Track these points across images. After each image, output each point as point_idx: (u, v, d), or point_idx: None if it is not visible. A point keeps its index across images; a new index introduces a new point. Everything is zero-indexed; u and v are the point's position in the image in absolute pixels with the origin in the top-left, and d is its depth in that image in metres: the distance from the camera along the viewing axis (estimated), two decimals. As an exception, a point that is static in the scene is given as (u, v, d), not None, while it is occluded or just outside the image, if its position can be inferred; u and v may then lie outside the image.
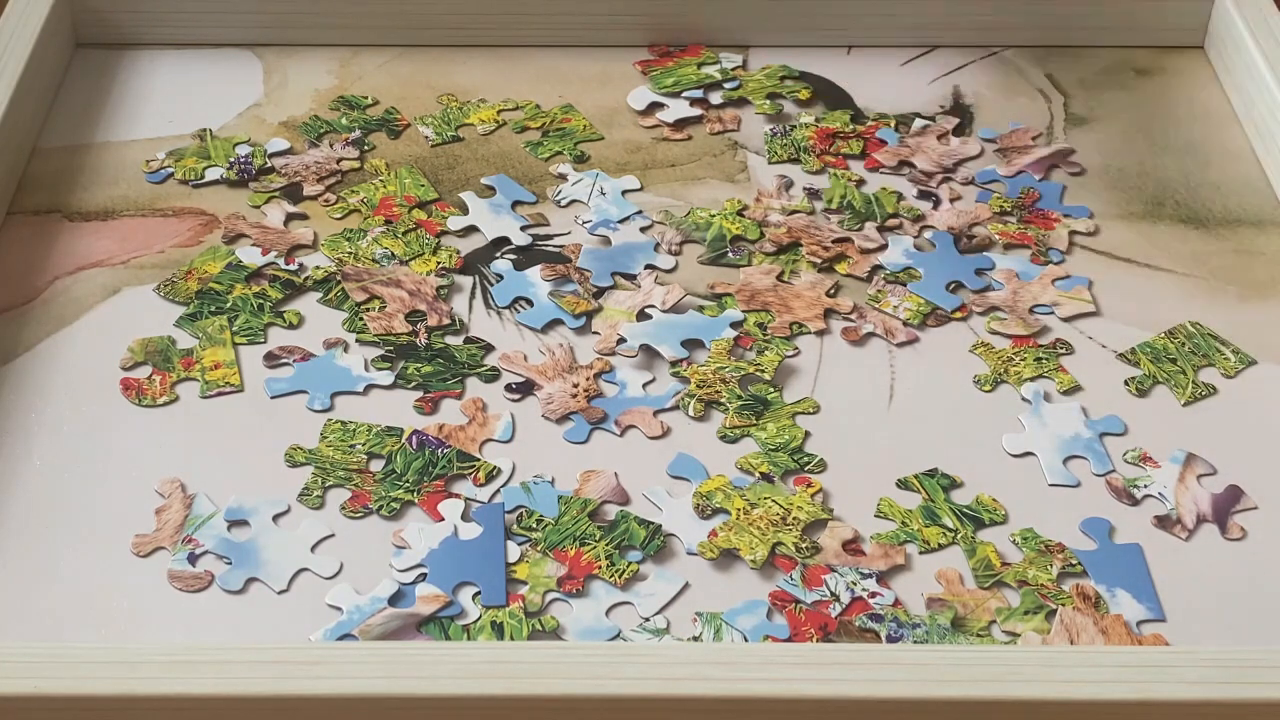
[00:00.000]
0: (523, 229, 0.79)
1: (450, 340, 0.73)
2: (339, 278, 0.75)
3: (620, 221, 0.80)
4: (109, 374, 0.70)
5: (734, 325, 0.73)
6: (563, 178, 0.83)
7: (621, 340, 0.73)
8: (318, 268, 0.76)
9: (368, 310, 0.74)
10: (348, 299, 0.74)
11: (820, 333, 0.74)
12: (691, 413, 0.69)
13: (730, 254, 0.78)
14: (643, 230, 0.79)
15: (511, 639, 0.60)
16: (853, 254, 0.78)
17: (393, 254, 0.77)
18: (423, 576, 0.62)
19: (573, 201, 0.81)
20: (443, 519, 0.64)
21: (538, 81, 0.89)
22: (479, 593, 0.61)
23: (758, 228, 0.79)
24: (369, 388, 0.70)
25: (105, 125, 0.85)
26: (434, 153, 0.84)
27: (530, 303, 0.75)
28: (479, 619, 0.60)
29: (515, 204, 0.81)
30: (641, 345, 0.72)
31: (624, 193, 0.81)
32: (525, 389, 0.70)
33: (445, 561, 0.62)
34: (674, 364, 0.72)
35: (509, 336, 0.73)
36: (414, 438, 0.67)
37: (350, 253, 0.77)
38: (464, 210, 0.80)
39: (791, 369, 0.72)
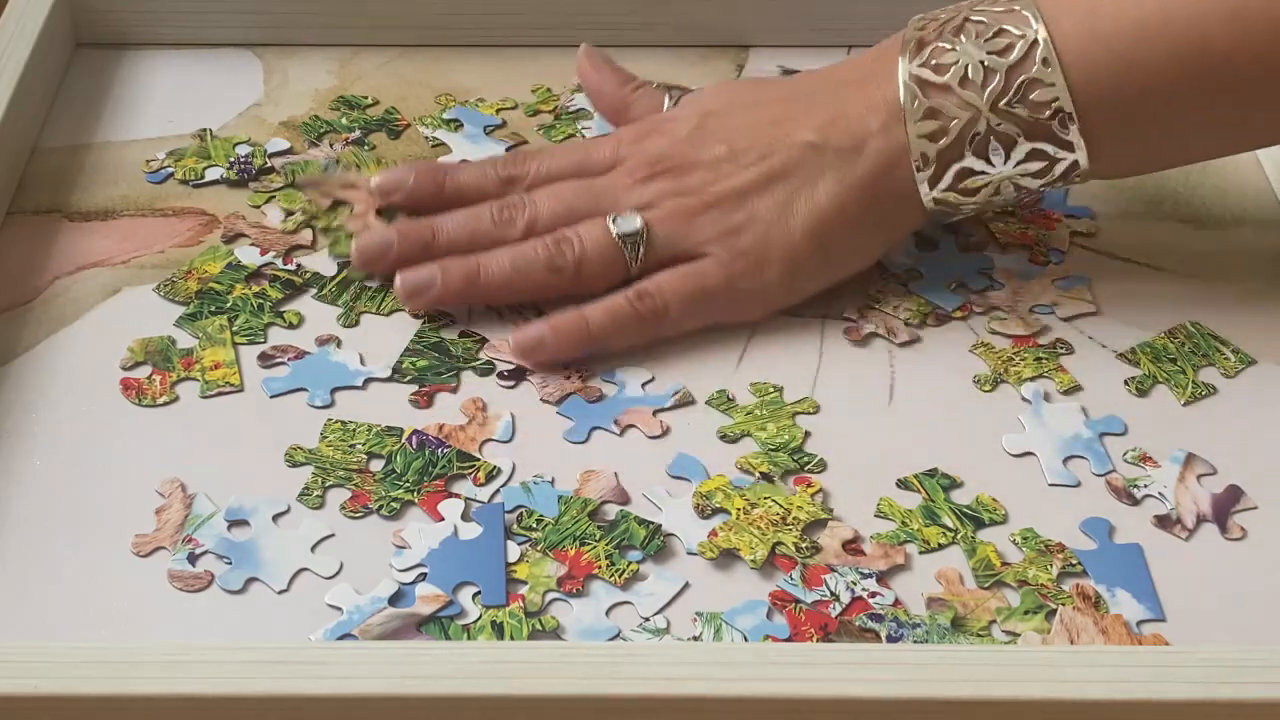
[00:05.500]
0: (508, 150, 0.83)
1: (445, 334, 0.73)
2: (296, 189, 0.80)
3: None
4: (109, 374, 0.70)
5: (734, 325, 0.73)
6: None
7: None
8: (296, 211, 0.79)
9: (344, 214, 0.78)
10: (343, 294, 0.74)
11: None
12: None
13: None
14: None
15: (511, 639, 0.60)
16: (853, 254, 0.78)
17: (339, 161, 0.81)
18: (423, 576, 0.62)
19: (580, 110, 0.85)
20: (443, 519, 0.64)
21: (537, 81, 0.89)
22: (479, 593, 0.61)
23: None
24: (367, 381, 0.70)
25: (105, 125, 0.85)
26: (434, 153, 0.84)
27: None
28: (479, 619, 0.60)
29: (487, 129, 0.84)
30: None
31: None
32: (518, 375, 0.70)
33: (445, 561, 0.62)
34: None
35: (506, 332, 0.73)
36: (414, 437, 0.67)
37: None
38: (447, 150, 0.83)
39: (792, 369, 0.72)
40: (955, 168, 0.70)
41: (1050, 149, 0.69)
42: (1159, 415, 0.70)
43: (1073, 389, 0.71)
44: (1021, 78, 0.68)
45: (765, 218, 0.71)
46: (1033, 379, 0.71)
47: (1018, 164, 0.69)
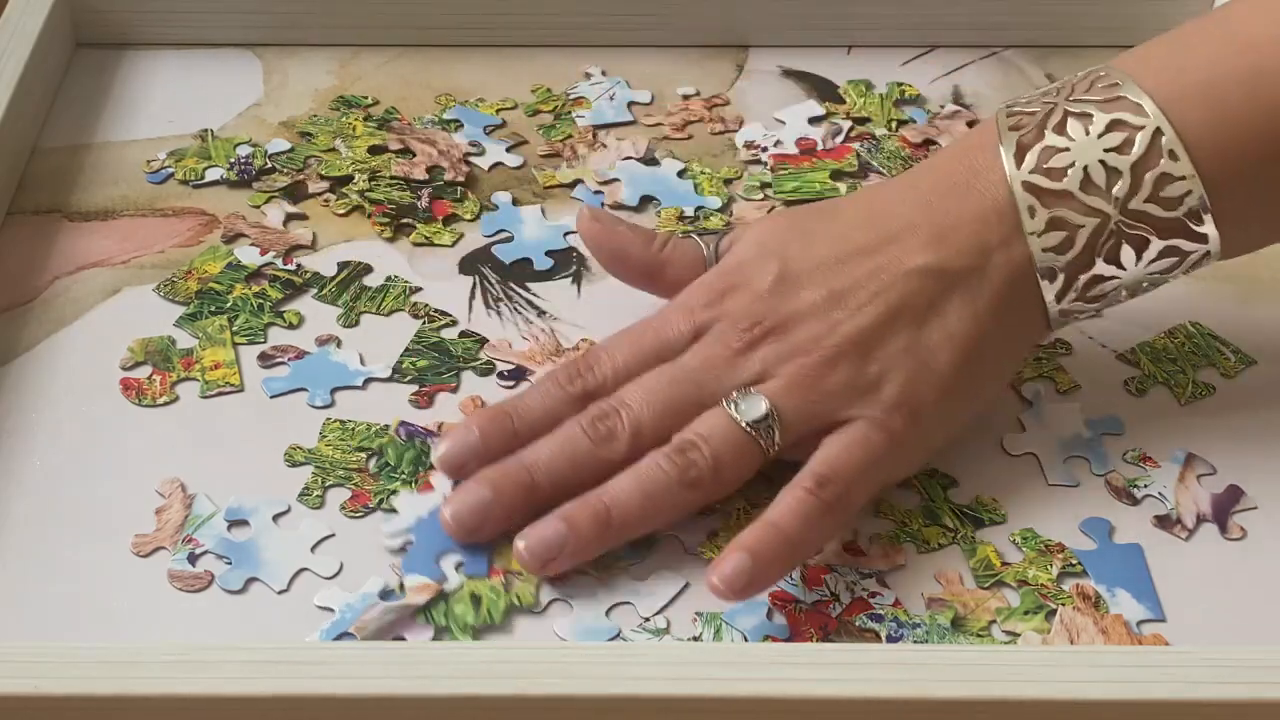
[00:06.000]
0: (508, 150, 0.83)
1: (445, 334, 0.73)
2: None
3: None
4: (109, 374, 0.70)
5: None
6: (588, 75, 0.88)
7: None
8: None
9: (398, 161, 0.81)
10: (343, 294, 0.74)
11: (820, 333, 0.73)
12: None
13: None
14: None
15: (489, 612, 0.60)
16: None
17: (438, 121, 0.85)
18: (409, 544, 0.63)
19: (579, 99, 0.86)
20: (432, 489, 0.65)
21: (537, 81, 0.89)
22: (461, 562, 0.62)
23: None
24: (367, 381, 0.70)
25: (105, 125, 0.85)
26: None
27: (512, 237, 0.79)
28: (459, 588, 0.61)
29: (487, 129, 0.85)
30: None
31: (629, 104, 0.86)
32: (517, 375, 0.70)
33: (432, 530, 0.63)
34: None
35: (507, 334, 0.73)
36: (402, 429, 0.67)
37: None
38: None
39: (791, 369, 0.72)
40: (1084, 277, 0.63)
41: (1183, 244, 0.63)
42: (1159, 415, 0.70)
43: (1072, 389, 0.71)
44: (1149, 174, 0.62)
45: (902, 362, 0.63)
46: (1033, 379, 0.71)
47: (1150, 263, 0.63)
